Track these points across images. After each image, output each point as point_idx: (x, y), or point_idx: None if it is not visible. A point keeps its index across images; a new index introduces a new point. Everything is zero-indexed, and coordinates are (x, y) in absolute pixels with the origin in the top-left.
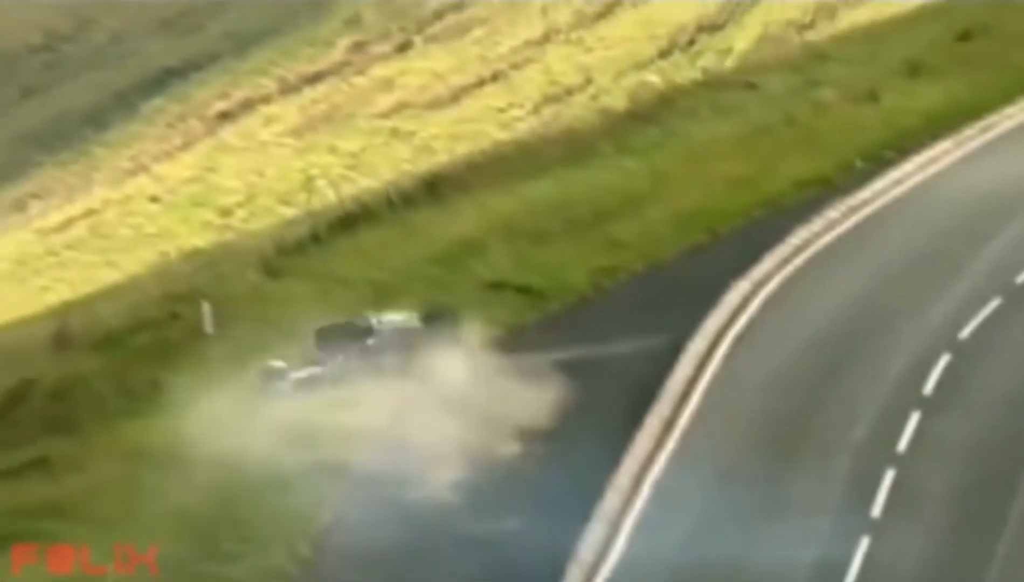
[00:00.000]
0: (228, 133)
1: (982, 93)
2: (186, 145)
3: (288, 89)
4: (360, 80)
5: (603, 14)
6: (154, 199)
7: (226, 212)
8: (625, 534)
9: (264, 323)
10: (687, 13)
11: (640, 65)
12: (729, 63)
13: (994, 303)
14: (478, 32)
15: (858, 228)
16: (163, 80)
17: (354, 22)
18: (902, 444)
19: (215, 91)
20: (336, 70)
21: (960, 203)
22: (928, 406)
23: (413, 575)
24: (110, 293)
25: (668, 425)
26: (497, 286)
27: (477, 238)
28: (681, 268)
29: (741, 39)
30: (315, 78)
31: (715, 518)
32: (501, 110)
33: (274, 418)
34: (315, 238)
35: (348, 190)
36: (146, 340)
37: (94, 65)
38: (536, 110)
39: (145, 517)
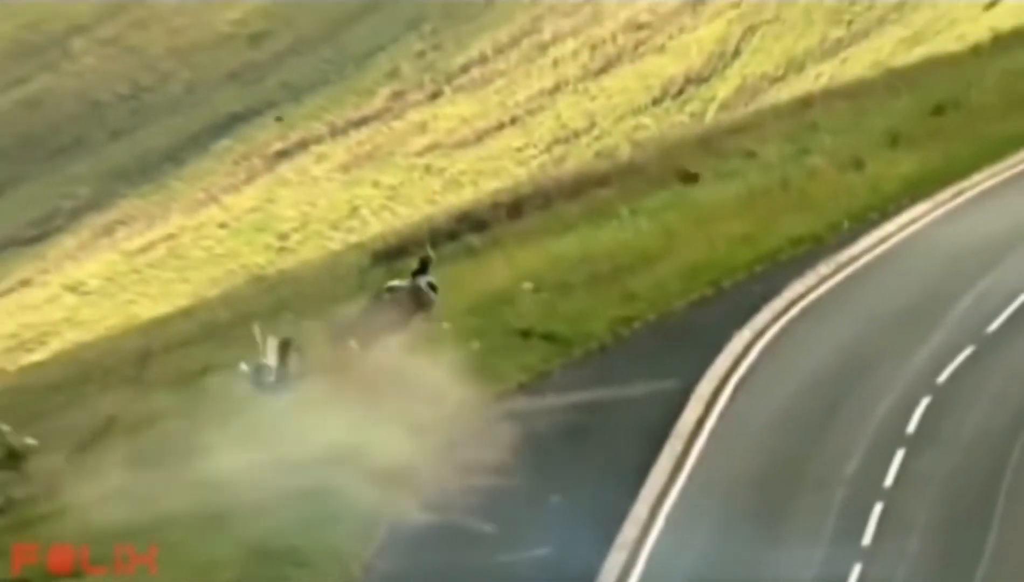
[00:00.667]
0: (285, 169)
1: (953, 161)
2: (249, 179)
3: (336, 131)
4: (398, 124)
5: (605, 68)
6: (222, 225)
7: (283, 236)
8: (643, 561)
9: None
10: (677, 67)
11: (636, 111)
12: (712, 110)
13: (968, 350)
14: (498, 83)
15: (846, 282)
16: (230, 124)
17: (393, 74)
18: (888, 479)
19: (274, 133)
20: (377, 115)
21: (937, 260)
22: (911, 444)
23: None
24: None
25: (679, 461)
26: (526, 334)
27: (508, 290)
28: (689, 318)
29: (722, 89)
30: (360, 122)
31: (723, 546)
32: (518, 149)
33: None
34: (363, 289)
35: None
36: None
37: (172, 111)
38: (548, 149)
39: (216, 544)
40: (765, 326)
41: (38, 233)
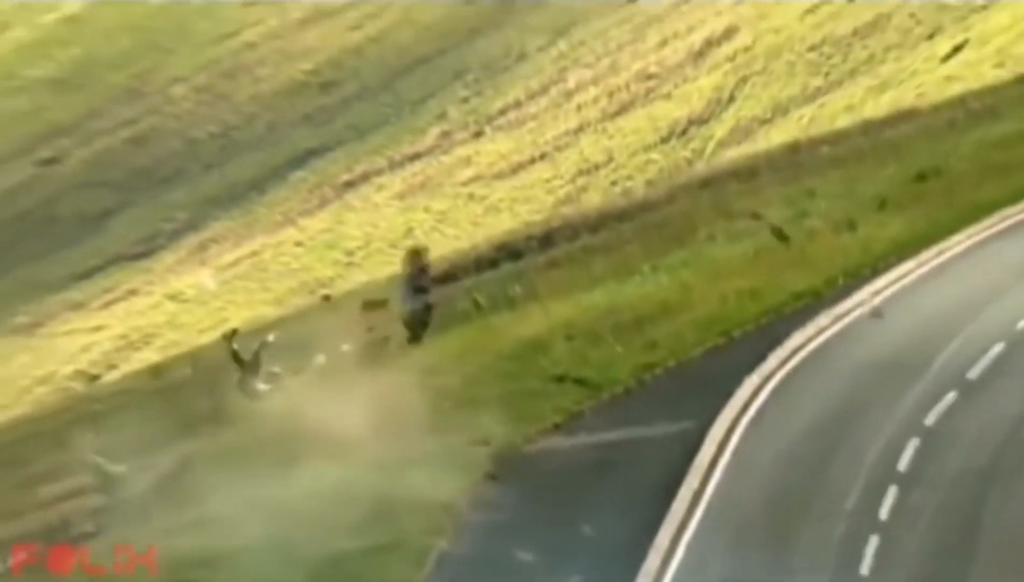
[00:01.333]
0: (351, 197)
1: (936, 224)
2: (321, 205)
3: (394, 165)
4: (446, 158)
5: (620, 112)
6: (298, 243)
7: (349, 253)
8: None
9: None
10: (681, 111)
11: (647, 148)
12: (710, 148)
13: (951, 395)
14: (531, 124)
15: (842, 333)
16: (305, 158)
17: (442, 116)
18: (883, 513)
19: (342, 166)
20: (429, 151)
21: (922, 313)
22: (903, 481)
23: None
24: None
25: (697, 495)
26: (560, 379)
27: (543, 338)
28: (704, 365)
29: (720, 129)
30: (413, 157)
31: (737, 573)
32: (547, 180)
33: None
34: (415, 338)
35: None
36: None
37: (255, 148)
38: (572, 180)
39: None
40: (771, 372)
41: (144, 250)
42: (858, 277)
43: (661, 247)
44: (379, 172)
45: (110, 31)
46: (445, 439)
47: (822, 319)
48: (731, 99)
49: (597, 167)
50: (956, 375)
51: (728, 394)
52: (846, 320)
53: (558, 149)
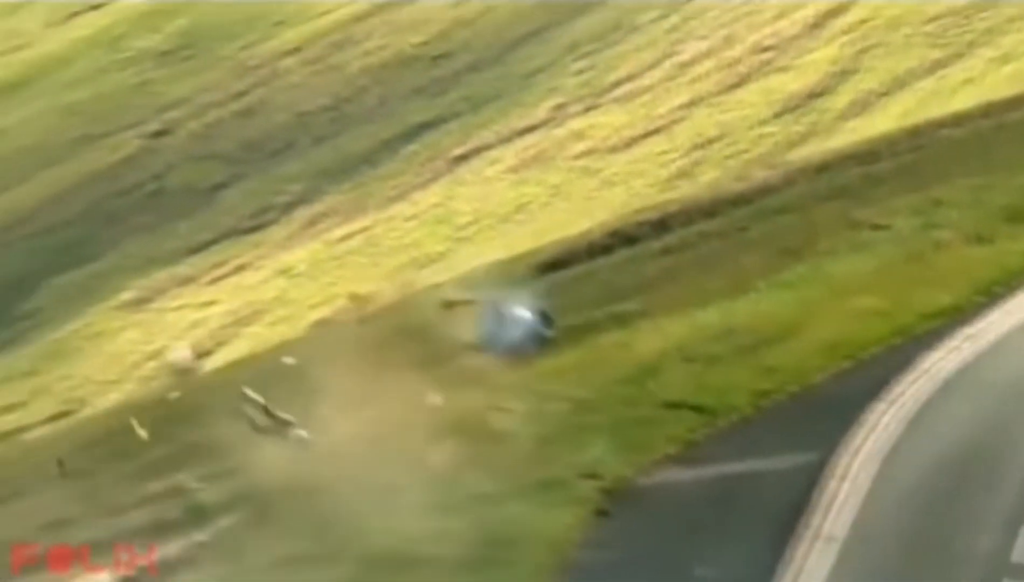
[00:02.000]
0: (463, 171)
1: None
2: (433, 179)
3: (506, 138)
4: (559, 131)
5: (735, 85)
6: (409, 218)
7: (460, 228)
8: None
9: None
10: (797, 84)
11: (763, 122)
12: (826, 120)
13: None
14: (645, 97)
15: (975, 356)
16: (417, 132)
17: (555, 89)
18: (1015, 555)
19: (454, 140)
20: (541, 124)
21: None
22: None
23: None
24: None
25: (818, 535)
26: (675, 405)
27: (656, 361)
28: (827, 390)
29: (837, 102)
30: (526, 130)
31: None
32: (661, 154)
33: None
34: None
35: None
36: None
37: (367, 121)
38: (687, 154)
39: None
40: (900, 398)
41: (255, 224)
42: (991, 294)
43: (778, 261)
44: (491, 146)
45: (218, 2)
46: (551, 470)
47: (953, 341)
48: (849, 72)
49: (712, 141)
50: None
51: (853, 421)
52: (979, 342)
53: (672, 122)
